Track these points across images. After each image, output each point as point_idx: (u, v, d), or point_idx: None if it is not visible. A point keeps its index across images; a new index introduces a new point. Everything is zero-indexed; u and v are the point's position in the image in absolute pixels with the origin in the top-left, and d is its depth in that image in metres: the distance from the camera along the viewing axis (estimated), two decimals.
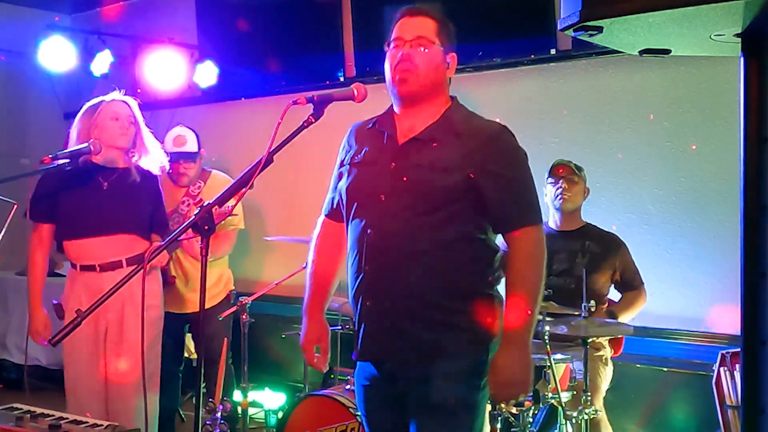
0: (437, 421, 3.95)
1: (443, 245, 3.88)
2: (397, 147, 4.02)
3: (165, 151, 7.02)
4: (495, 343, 4.01)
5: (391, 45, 4.05)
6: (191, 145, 7.20)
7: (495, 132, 4.03)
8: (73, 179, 5.87)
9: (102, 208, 5.86)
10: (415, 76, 3.96)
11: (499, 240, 4.10)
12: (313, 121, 3.85)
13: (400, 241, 3.89)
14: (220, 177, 7.44)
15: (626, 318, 6.30)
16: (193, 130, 7.33)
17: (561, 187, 6.45)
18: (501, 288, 4.11)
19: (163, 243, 3.66)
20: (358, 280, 4.04)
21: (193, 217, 3.48)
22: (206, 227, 3.48)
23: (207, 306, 6.77)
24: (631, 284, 6.47)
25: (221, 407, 5.34)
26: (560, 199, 6.45)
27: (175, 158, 7.10)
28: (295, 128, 3.79)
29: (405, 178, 3.93)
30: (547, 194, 6.54)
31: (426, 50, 3.98)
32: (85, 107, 6.01)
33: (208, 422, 5.26)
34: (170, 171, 7.19)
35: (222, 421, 5.35)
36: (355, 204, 4.07)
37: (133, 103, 6.05)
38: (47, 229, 5.99)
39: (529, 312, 3.85)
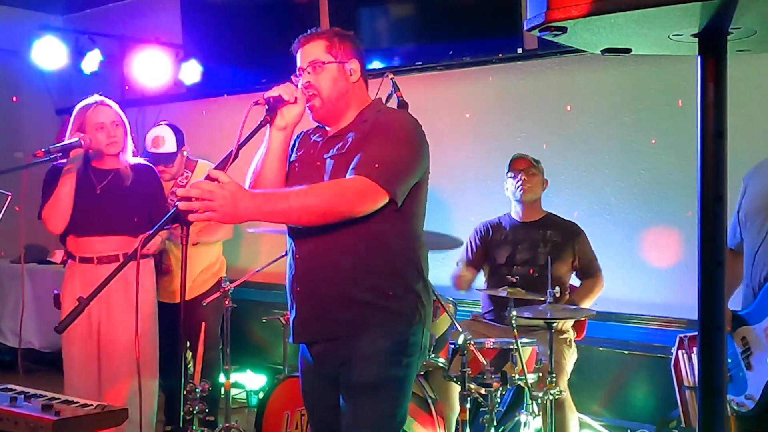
0: (360, 400, 3.97)
1: (363, 231, 3.86)
2: (319, 146, 4.11)
3: (145, 151, 7.03)
4: (417, 324, 4.03)
5: (297, 75, 4.13)
6: (169, 146, 7.10)
7: (388, 115, 4.07)
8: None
9: (94, 212, 5.87)
10: (320, 99, 4.03)
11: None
12: (269, 120, 3.97)
13: (322, 230, 3.88)
14: (207, 166, 7.39)
15: (586, 304, 6.33)
16: (173, 128, 7.24)
17: (520, 179, 6.48)
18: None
19: (150, 232, 3.64)
20: (292, 268, 4.09)
21: (173, 209, 3.46)
22: (184, 217, 3.46)
23: (196, 293, 6.82)
24: (588, 271, 6.51)
25: (201, 388, 5.34)
26: (520, 190, 6.48)
27: (152, 160, 7.07)
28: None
29: (324, 172, 4.00)
30: (508, 187, 6.59)
31: (321, 71, 4.02)
32: (75, 111, 6.01)
33: (188, 402, 5.26)
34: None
35: (202, 401, 5.34)
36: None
37: (115, 105, 6.04)
38: None
39: (286, 203, 3.65)
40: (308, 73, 4.03)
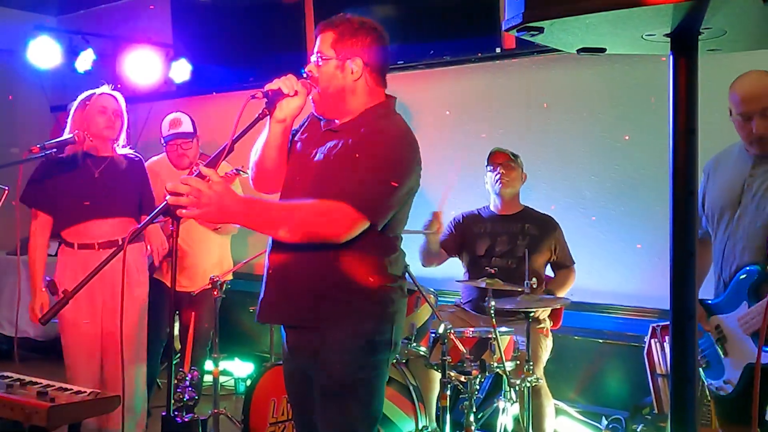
0: (329, 401, 3.91)
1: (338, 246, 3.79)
2: (318, 135, 4.05)
3: (162, 137, 7.07)
4: (385, 323, 3.96)
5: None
6: (186, 126, 7.18)
7: (382, 132, 3.92)
8: (67, 169, 5.94)
9: (95, 195, 5.92)
10: (320, 94, 3.97)
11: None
12: (267, 113, 3.90)
13: None
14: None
15: (561, 294, 6.34)
16: (188, 115, 7.29)
17: (499, 173, 6.50)
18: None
19: (140, 225, 3.63)
20: (268, 251, 4.04)
21: (164, 202, 3.44)
22: (174, 212, 3.44)
23: (198, 289, 6.82)
24: (563, 263, 6.54)
25: (190, 376, 5.33)
26: (499, 184, 6.51)
27: (173, 138, 7.08)
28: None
29: (312, 167, 3.95)
30: (487, 181, 6.62)
31: (321, 65, 3.96)
32: (79, 99, 6.10)
33: (178, 389, 5.25)
34: (170, 154, 7.19)
35: (191, 388, 5.34)
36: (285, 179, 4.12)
37: (121, 98, 6.12)
38: (46, 218, 6.05)
39: (269, 215, 3.68)
40: (314, 63, 3.97)
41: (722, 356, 4.64)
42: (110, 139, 6.01)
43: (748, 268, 4.48)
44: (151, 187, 6.32)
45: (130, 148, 6.40)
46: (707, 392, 4.89)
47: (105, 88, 6.12)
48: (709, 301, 4.73)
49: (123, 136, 6.17)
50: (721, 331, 4.63)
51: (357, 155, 3.80)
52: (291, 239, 3.76)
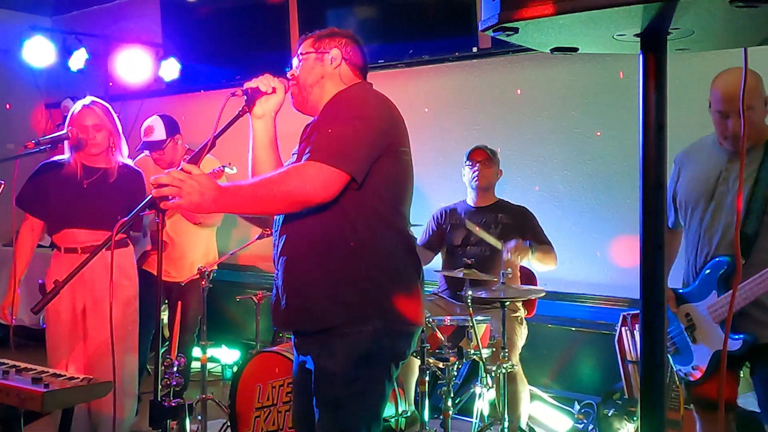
0: (323, 412, 3.77)
1: (326, 230, 3.69)
2: (305, 136, 3.95)
3: (141, 142, 7.05)
4: (378, 332, 3.70)
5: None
6: (158, 134, 7.06)
7: (345, 93, 3.88)
8: (60, 177, 5.95)
9: (81, 206, 5.89)
10: (299, 88, 3.97)
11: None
12: (247, 110, 3.90)
13: (288, 222, 3.82)
14: (206, 157, 7.33)
15: (541, 258, 6.29)
16: (164, 118, 7.19)
17: (477, 169, 6.54)
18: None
19: (126, 219, 3.61)
20: (275, 259, 3.94)
21: (149, 195, 3.44)
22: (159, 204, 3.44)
23: (187, 279, 6.82)
24: (541, 241, 6.49)
25: (177, 363, 5.33)
26: (476, 180, 6.56)
27: (144, 147, 7.04)
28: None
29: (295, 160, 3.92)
30: (465, 175, 6.65)
31: (301, 61, 3.97)
32: (69, 112, 6.09)
33: (166, 375, 5.25)
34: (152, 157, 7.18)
35: (177, 375, 5.34)
36: None
37: (103, 108, 6.03)
38: (37, 222, 6.08)
39: (243, 193, 3.53)
40: (295, 65, 3.99)
41: (691, 343, 4.67)
42: (100, 153, 5.97)
43: (718, 258, 4.50)
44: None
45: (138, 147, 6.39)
46: (676, 378, 4.91)
47: (86, 100, 6.04)
48: (681, 290, 4.75)
49: (123, 145, 6.10)
50: (691, 319, 4.65)
51: (320, 123, 3.78)
52: (276, 209, 3.72)
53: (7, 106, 11.12)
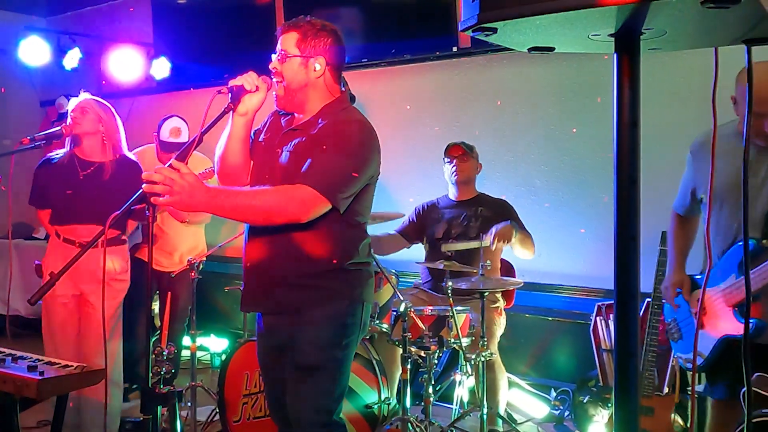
0: (302, 378, 3.96)
1: (303, 223, 3.78)
2: (281, 135, 4.05)
3: (159, 138, 7.03)
4: (356, 304, 4.01)
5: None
6: (184, 137, 7.15)
7: (342, 124, 3.92)
8: (58, 171, 5.95)
9: (76, 200, 5.86)
10: (282, 86, 4.00)
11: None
12: (232, 107, 3.93)
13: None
14: (198, 156, 7.30)
15: (522, 241, 6.27)
16: (185, 121, 7.26)
17: (455, 165, 6.56)
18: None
19: (118, 212, 3.60)
20: (244, 245, 4.08)
21: (139, 191, 3.44)
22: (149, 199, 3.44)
23: (177, 270, 6.82)
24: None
25: (167, 351, 5.33)
26: (455, 174, 6.58)
27: (170, 148, 7.03)
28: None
29: (279, 164, 3.96)
30: (445, 171, 6.66)
31: (286, 61, 3.98)
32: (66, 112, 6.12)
33: (157, 363, 5.26)
34: (160, 155, 7.13)
35: (168, 362, 5.34)
36: (252, 176, 4.15)
37: (93, 103, 5.99)
38: (47, 211, 6.08)
39: (235, 201, 3.64)
40: (277, 60, 3.99)
41: (697, 329, 4.63)
42: (77, 134, 5.91)
43: (741, 243, 4.43)
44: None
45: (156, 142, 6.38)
46: (676, 365, 4.89)
47: (81, 97, 6.04)
48: (697, 276, 4.72)
49: (122, 139, 6.07)
50: (702, 305, 4.60)
51: (320, 146, 3.81)
52: (258, 221, 3.82)
53: (1, 89, 11.10)
